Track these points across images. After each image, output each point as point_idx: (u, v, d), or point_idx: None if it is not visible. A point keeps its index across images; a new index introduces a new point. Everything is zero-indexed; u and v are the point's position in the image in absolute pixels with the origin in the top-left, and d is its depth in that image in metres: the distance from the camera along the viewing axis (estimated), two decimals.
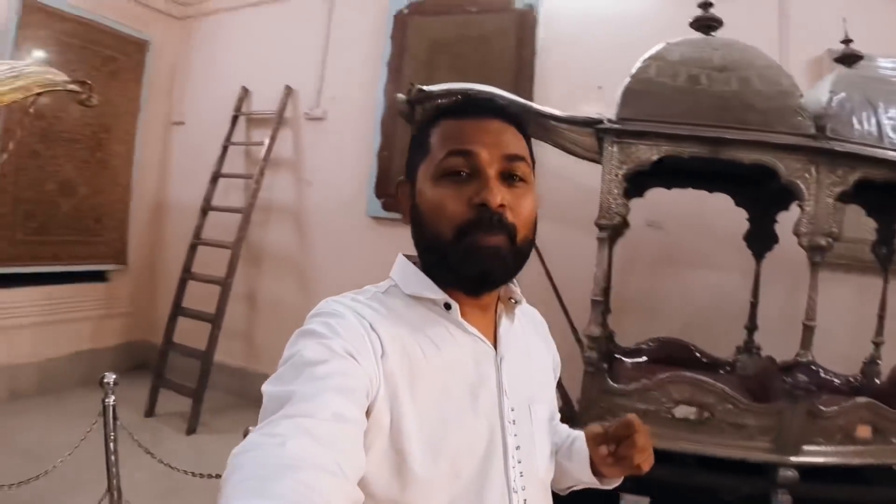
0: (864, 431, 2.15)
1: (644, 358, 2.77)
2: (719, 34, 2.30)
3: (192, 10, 4.67)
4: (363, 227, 3.89)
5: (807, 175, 2.04)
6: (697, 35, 2.31)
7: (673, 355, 2.76)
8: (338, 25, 4.04)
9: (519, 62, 3.48)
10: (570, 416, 2.20)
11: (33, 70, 2.36)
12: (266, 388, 0.78)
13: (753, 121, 2.04)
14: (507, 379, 0.96)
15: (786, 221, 2.63)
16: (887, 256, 2.61)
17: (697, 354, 2.78)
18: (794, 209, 2.14)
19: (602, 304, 2.15)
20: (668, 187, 2.81)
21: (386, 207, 3.78)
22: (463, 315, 0.94)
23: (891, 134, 2.13)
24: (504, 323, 1.00)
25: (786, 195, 2.68)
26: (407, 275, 1.00)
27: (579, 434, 1.11)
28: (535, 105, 2.24)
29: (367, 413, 0.81)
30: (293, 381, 0.76)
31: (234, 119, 4.26)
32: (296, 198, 4.13)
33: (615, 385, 2.10)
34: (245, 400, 4.04)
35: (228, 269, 3.84)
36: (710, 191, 2.81)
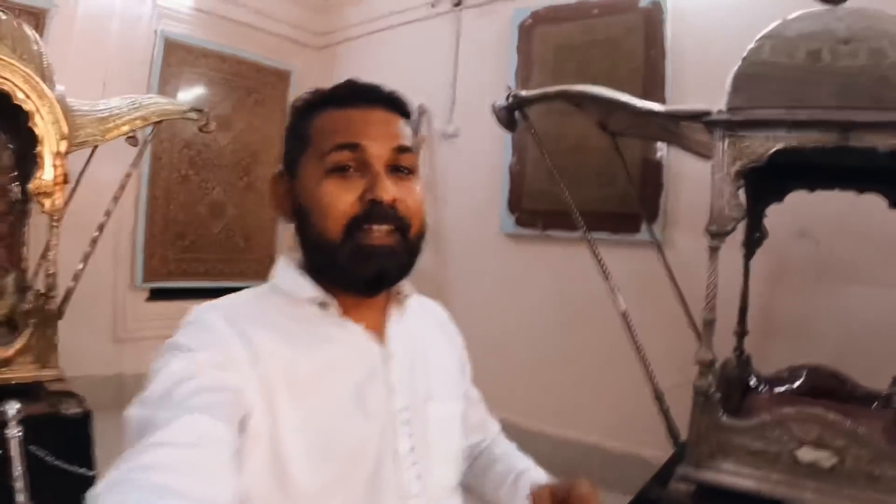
0: None
1: (784, 388, 2.39)
2: (849, 4, 1.93)
3: (330, 38, 4.94)
4: (497, 244, 3.82)
5: None
6: (821, 7, 1.96)
7: (819, 385, 2.34)
8: (466, 41, 4.04)
9: (648, 63, 3.22)
10: (677, 452, 1.92)
11: (153, 101, 2.61)
12: (130, 412, 0.72)
13: (890, 98, 1.66)
14: (396, 377, 0.90)
15: None
16: None
17: (849, 386, 2.34)
18: None
19: (713, 324, 1.84)
20: (812, 189, 2.41)
21: (520, 223, 3.69)
22: (348, 313, 0.89)
23: None
24: (393, 319, 0.94)
25: None
26: (285, 275, 0.93)
27: (527, 471, 1.05)
28: (635, 101, 2.01)
29: (243, 425, 0.74)
30: (156, 405, 0.71)
31: None
32: (432, 216, 4.08)
33: (727, 420, 1.79)
34: None
35: None
36: (860, 191, 2.37)
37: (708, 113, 1.83)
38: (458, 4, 4.04)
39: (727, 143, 1.80)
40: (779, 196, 2.47)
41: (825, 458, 1.69)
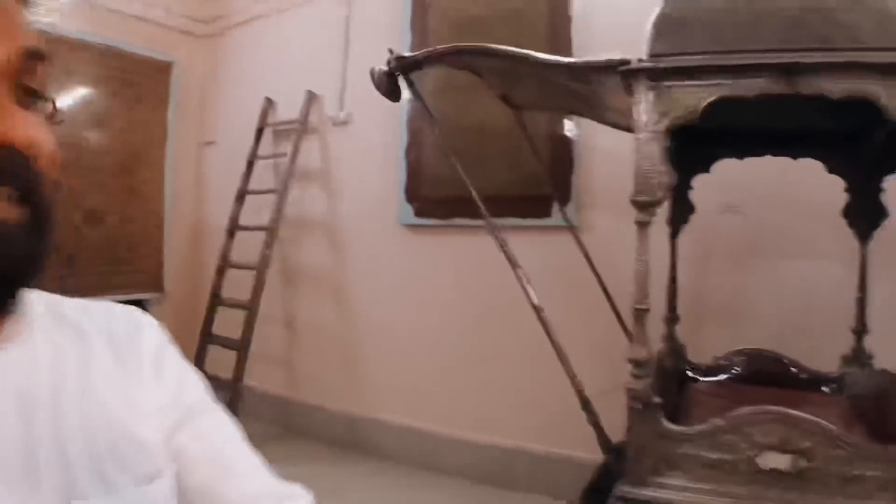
0: None
1: (724, 377, 2.15)
2: None
3: (214, 26, 4.44)
4: (395, 236, 3.46)
5: None
6: None
7: (762, 371, 2.13)
8: (357, 22, 3.68)
9: (553, 34, 2.94)
10: (615, 468, 1.62)
11: None
12: None
13: (838, 38, 1.41)
14: None
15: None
16: None
17: (794, 370, 2.13)
18: None
19: (646, 314, 1.55)
20: (741, 157, 2.18)
21: (420, 213, 3.33)
22: None
23: None
24: None
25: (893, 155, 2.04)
26: None
27: None
28: (539, 55, 1.68)
29: None
30: None
31: (259, 132, 3.94)
32: (327, 210, 3.76)
33: (672, 428, 1.50)
34: (288, 431, 3.72)
35: (253, 291, 3.53)
36: (795, 157, 2.15)
37: (626, 62, 1.53)
38: None
39: (652, 96, 1.50)
40: (705, 166, 2.24)
41: (792, 463, 1.43)
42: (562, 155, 2.94)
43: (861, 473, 1.40)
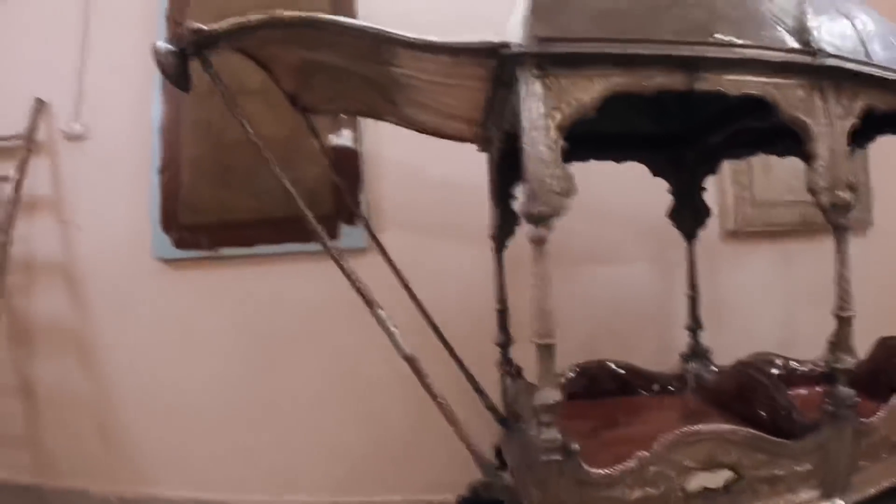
0: None
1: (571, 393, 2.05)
2: None
3: None
4: (151, 274, 2.80)
5: (813, 105, 1.40)
6: None
7: (596, 385, 2.09)
8: (98, 11, 2.95)
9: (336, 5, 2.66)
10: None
11: None
12: None
13: (726, 32, 1.34)
14: None
15: None
16: None
17: (629, 375, 2.13)
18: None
19: (553, 349, 1.35)
20: (566, 161, 2.09)
21: (179, 244, 2.73)
22: None
23: (878, 50, 1.54)
24: None
25: (716, 152, 2.11)
26: None
27: None
28: (399, 33, 1.37)
29: None
30: None
31: None
32: (62, 247, 2.92)
33: (599, 472, 1.29)
34: None
35: None
36: (619, 160, 2.14)
37: (506, 45, 1.30)
38: None
39: (540, 86, 1.28)
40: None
41: (719, 479, 1.35)
42: (346, 169, 2.61)
43: (784, 472, 1.41)
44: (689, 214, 2.13)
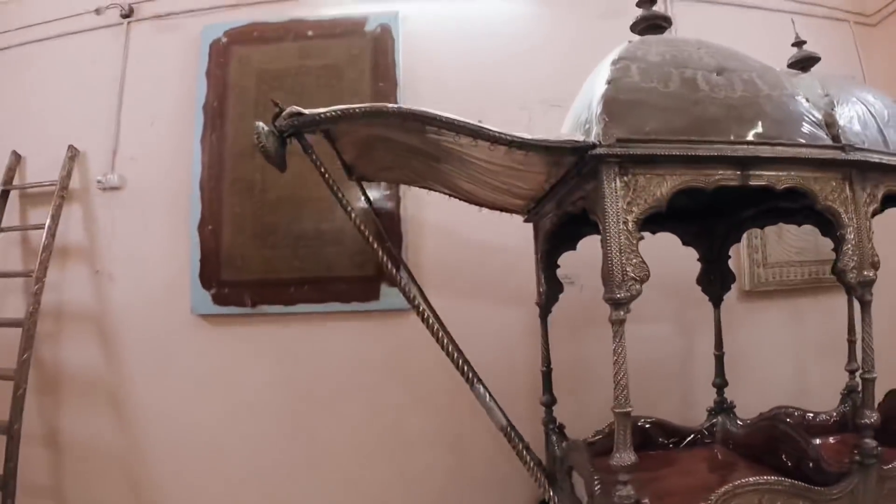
0: None
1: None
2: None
3: None
4: (189, 330, 2.84)
5: (843, 195, 1.59)
6: (656, 36, 1.79)
7: (641, 437, 2.21)
8: (136, 62, 3.03)
9: (376, 96, 2.77)
10: None
11: None
12: None
13: (771, 133, 1.53)
14: None
15: None
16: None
17: (666, 428, 2.28)
18: None
19: (629, 417, 1.49)
20: None
21: (219, 300, 2.79)
22: None
23: (894, 136, 1.74)
24: None
25: (744, 223, 2.30)
26: None
27: None
28: (485, 126, 1.51)
29: None
30: None
31: (3, 195, 2.98)
32: (94, 296, 2.95)
33: None
34: None
35: (12, 408, 2.58)
36: (654, 232, 2.29)
37: (593, 146, 1.45)
38: (128, 15, 3.02)
39: (619, 183, 1.44)
40: (573, 243, 2.27)
41: None
42: (388, 230, 2.72)
43: None
44: (716, 280, 2.31)
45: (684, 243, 2.34)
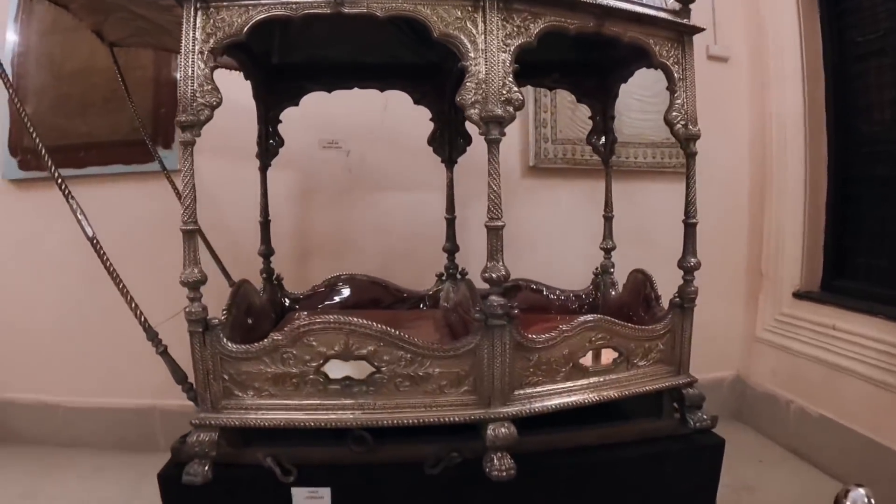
0: (606, 357, 1.68)
1: (326, 304, 2.24)
2: None
3: None
4: (2, 195, 3.01)
5: (471, 25, 1.42)
6: None
7: (363, 297, 2.25)
8: None
9: None
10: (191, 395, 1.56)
11: None
12: None
13: None
14: None
15: None
16: (607, 147, 2.23)
17: (392, 291, 2.30)
18: None
19: (195, 235, 1.47)
20: (329, 90, 2.24)
21: (23, 166, 2.96)
22: None
23: None
24: None
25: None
26: None
27: None
28: None
29: None
30: None
31: None
32: None
33: (236, 347, 1.47)
34: None
35: None
36: (382, 89, 2.28)
37: None
38: None
39: (199, 15, 1.43)
40: (294, 99, 2.24)
41: (358, 369, 1.49)
42: (168, 98, 2.88)
43: (429, 372, 1.50)
44: (447, 142, 2.29)
45: (415, 102, 2.29)
